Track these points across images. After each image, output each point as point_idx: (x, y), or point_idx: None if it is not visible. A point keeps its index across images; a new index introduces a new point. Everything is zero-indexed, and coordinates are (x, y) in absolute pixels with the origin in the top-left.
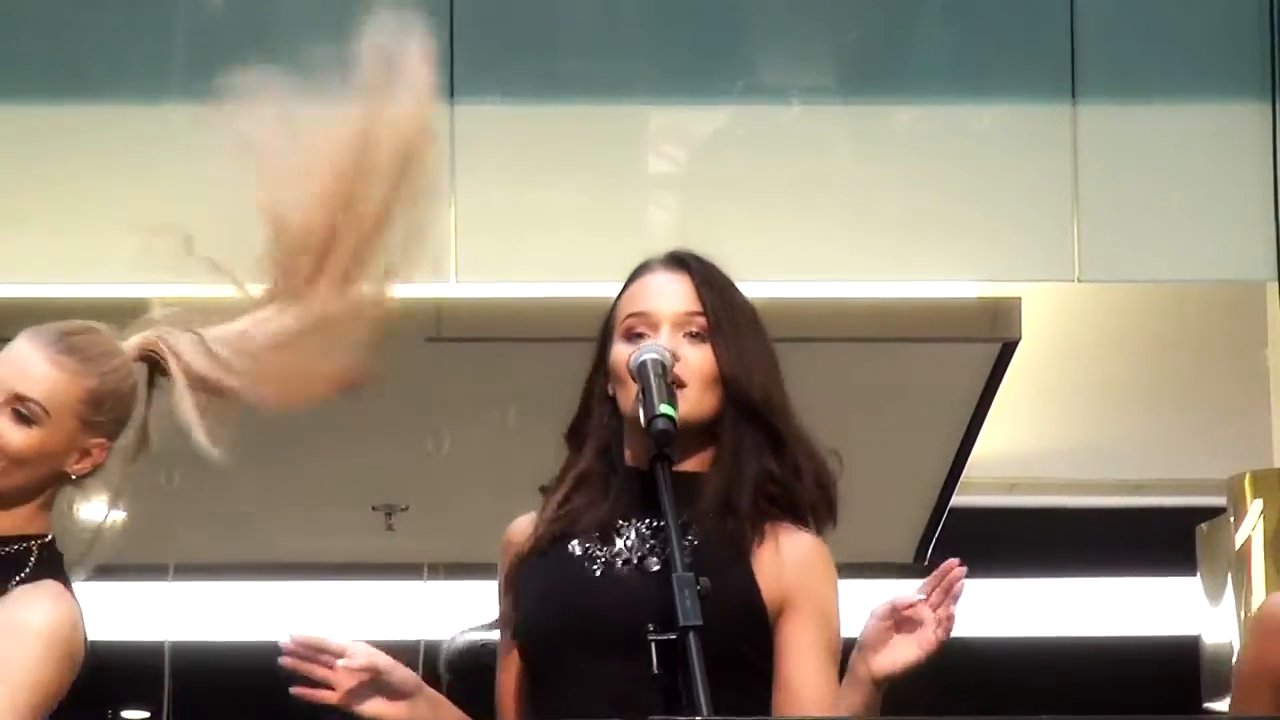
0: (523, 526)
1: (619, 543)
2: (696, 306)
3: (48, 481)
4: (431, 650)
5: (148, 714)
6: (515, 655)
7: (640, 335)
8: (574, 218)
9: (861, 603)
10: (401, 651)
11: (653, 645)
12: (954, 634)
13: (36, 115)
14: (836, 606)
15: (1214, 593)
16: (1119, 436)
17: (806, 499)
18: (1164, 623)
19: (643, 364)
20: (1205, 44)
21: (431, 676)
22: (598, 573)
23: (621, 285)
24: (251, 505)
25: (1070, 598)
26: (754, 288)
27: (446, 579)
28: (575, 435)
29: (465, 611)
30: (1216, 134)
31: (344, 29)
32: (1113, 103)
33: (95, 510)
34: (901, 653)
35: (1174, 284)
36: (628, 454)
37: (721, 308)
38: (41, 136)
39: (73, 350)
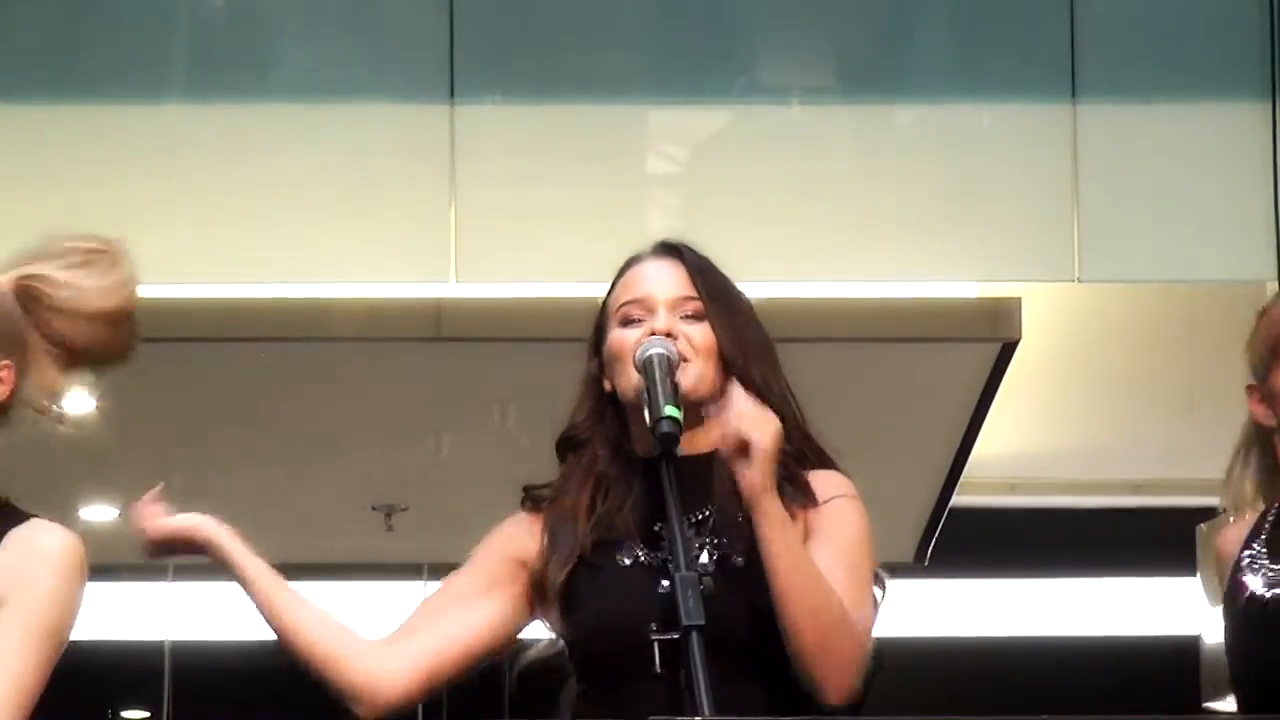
0: (527, 527)
1: (667, 546)
2: (690, 291)
3: None
4: None
5: (148, 714)
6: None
7: (637, 320)
8: (574, 218)
9: None
10: None
11: (655, 644)
12: (955, 634)
13: (36, 115)
14: (857, 520)
15: (1214, 593)
16: (1119, 436)
17: (798, 479)
18: (1164, 623)
19: (649, 359)
20: (1205, 44)
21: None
22: (664, 585)
23: (612, 283)
24: (251, 505)
25: (1070, 598)
26: (754, 288)
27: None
28: (571, 443)
29: None
30: (1216, 134)
31: (343, 29)
32: (1113, 103)
33: (95, 511)
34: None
35: (1174, 284)
36: (637, 447)
37: (715, 291)
38: (41, 136)
39: None
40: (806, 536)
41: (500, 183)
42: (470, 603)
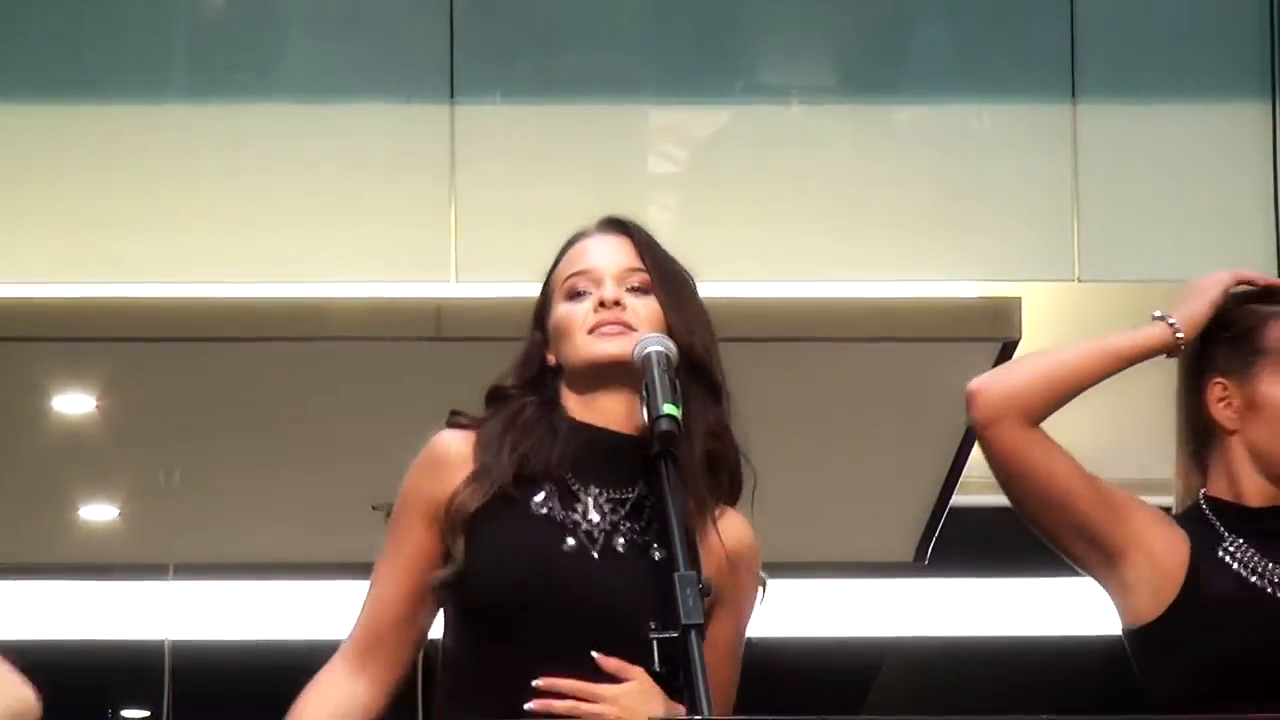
0: (458, 448)
1: (582, 510)
2: (638, 264)
3: None
4: (431, 650)
5: (148, 714)
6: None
7: (583, 293)
8: (574, 218)
9: (862, 602)
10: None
11: (654, 643)
12: (955, 634)
13: (36, 115)
14: (752, 608)
15: None
16: (1119, 436)
17: (730, 461)
18: None
19: (647, 356)
20: (1205, 44)
21: (429, 675)
22: (570, 544)
23: (556, 259)
24: (251, 505)
25: (1070, 598)
26: (755, 288)
27: None
28: (502, 394)
29: None
30: (1216, 134)
31: (343, 29)
32: (1113, 103)
33: (95, 511)
34: None
35: (1174, 284)
36: (570, 410)
37: (661, 266)
38: (41, 136)
39: None
40: (717, 573)
41: (500, 183)
42: (414, 607)
